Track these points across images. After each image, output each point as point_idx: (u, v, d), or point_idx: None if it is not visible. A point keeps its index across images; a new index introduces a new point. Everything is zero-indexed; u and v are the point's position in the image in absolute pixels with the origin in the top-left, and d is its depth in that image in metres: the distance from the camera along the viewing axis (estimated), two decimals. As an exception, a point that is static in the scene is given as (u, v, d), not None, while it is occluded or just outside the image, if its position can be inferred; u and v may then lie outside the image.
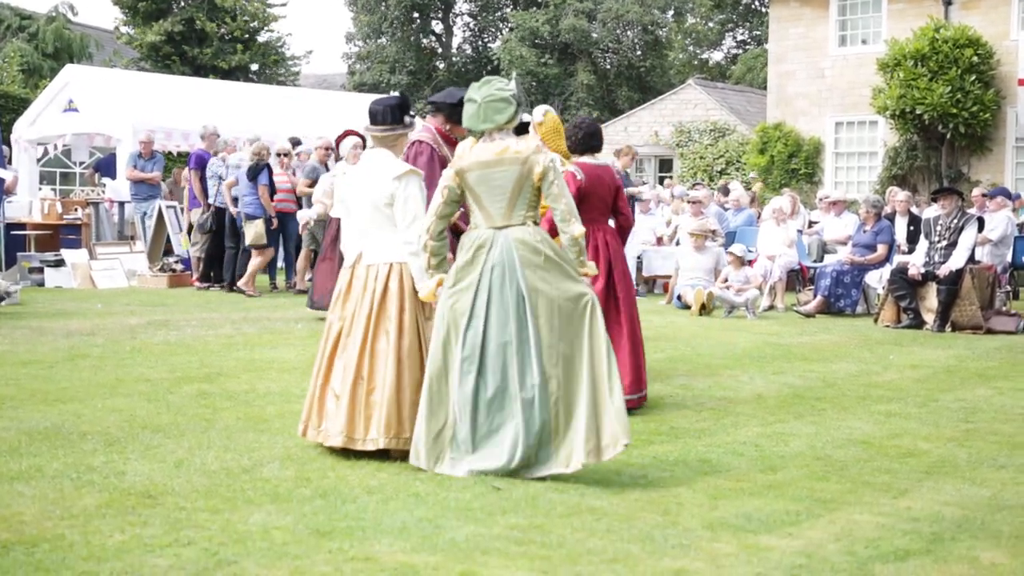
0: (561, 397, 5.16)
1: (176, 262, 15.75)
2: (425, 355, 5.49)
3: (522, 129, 6.62)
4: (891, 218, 14.39)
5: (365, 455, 5.48)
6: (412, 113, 5.93)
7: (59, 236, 15.84)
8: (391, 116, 5.74)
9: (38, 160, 19.30)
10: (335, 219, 11.51)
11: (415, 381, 5.48)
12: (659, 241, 16.39)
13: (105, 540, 4.14)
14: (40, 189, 18.17)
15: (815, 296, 13.29)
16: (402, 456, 5.42)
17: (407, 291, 5.55)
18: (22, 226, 15.54)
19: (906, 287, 11.89)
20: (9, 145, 18.21)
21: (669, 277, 14.60)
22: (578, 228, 5.27)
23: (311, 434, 5.67)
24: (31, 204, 16.35)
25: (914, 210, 15.28)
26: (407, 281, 5.56)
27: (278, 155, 14.54)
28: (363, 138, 11.70)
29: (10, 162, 17.31)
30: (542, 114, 7.57)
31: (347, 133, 11.58)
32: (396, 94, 6.05)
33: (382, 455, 5.49)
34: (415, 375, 5.49)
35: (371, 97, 25.07)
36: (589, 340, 5.21)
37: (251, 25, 32.75)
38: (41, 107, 18.65)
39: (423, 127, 7.55)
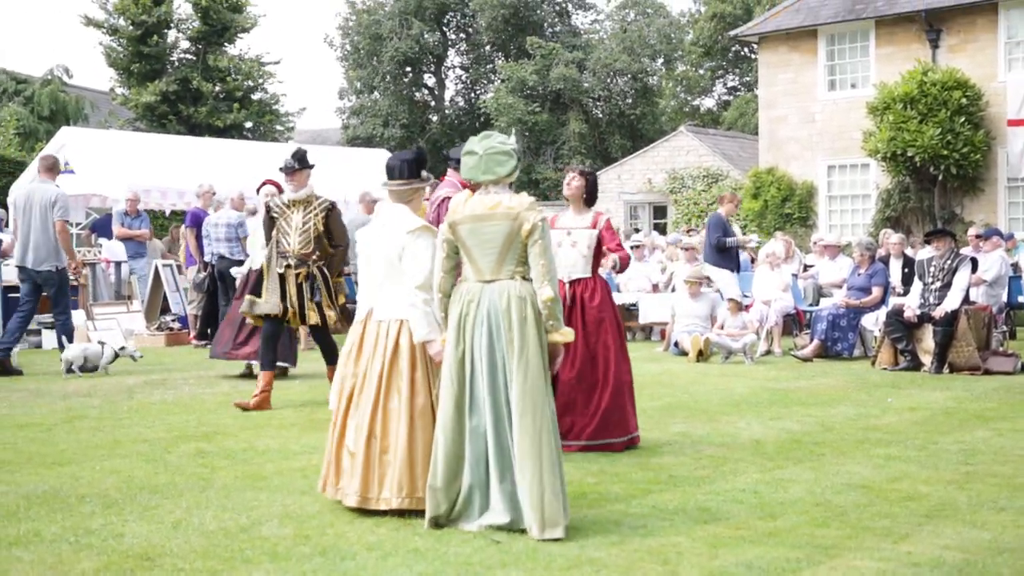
0: (520, 462, 5.13)
1: (173, 320, 15.77)
2: (436, 411, 5.47)
3: None
4: (885, 261, 14.44)
5: (365, 510, 5.47)
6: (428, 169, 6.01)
7: (56, 298, 15.80)
8: (408, 171, 5.79)
9: (35, 222, 19.32)
10: (253, 271, 11.14)
11: (427, 438, 5.46)
12: (655, 288, 16.42)
13: (103, 604, 4.12)
14: (37, 251, 18.15)
15: (812, 340, 13.30)
16: (415, 514, 5.39)
17: (419, 348, 5.55)
18: (18, 288, 15.52)
19: (902, 329, 11.91)
20: (5, 208, 18.25)
21: (666, 324, 14.62)
22: (547, 292, 5.17)
23: (330, 491, 5.66)
24: (28, 266, 16.32)
25: (909, 252, 15.33)
26: None
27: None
28: (280, 188, 11.54)
29: (7, 225, 17.35)
30: None
31: (266, 182, 11.42)
32: (414, 148, 6.11)
33: (382, 511, 5.49)
34: (427, 433, 5.47)
35: (365, 151, 25.25)
36: (548, 407, 5.19)
37: (246, 84, 33.06)
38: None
39: (449, 183, 7.58)
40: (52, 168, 11.99)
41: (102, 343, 11.90)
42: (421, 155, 5.91)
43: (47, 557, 4.74)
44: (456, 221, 5.35)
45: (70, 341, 11.85)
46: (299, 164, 9.21)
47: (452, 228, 5.36)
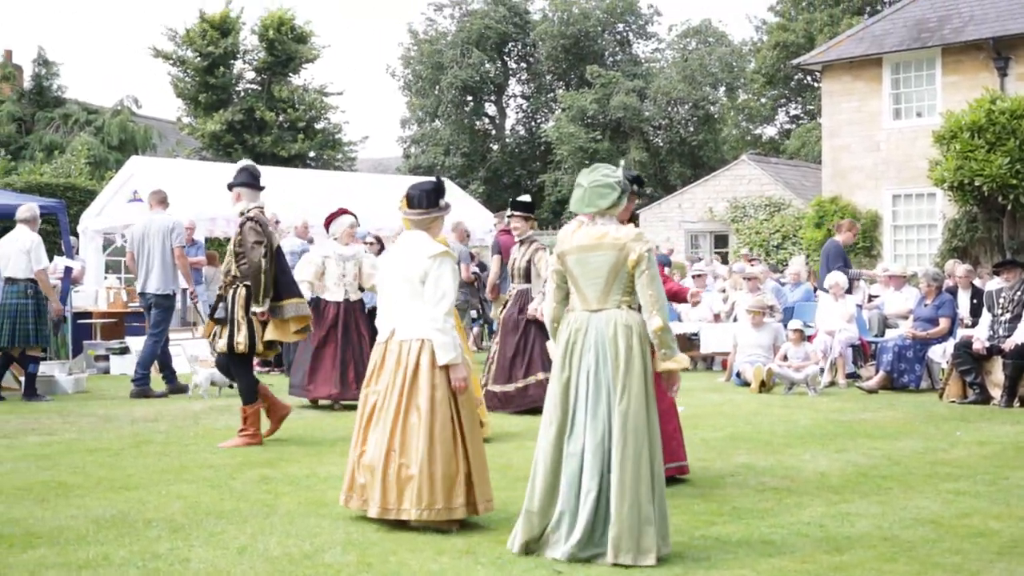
0: (619, 487, 5.17)
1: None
2: (457, 429, 5.71)
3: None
4: (952, 292, 14.21)
5: (426, 539, 5.51)
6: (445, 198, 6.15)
7: (124, 324, 16.11)
8: (427, 201, 6.03)
9: (104, 250, 19.72)
10: (330, 302, 11.15)
11: (447, 453, 5.68)
12: (716, 318, 16.31)
13: (171, 629, 4.17)
14: (106, 278, 18.53)
15: (877, 371, 13.11)
16: (435, 527, 5.67)
17: (438, 367, 5.77)
18: (88, 315, 15.85)
19: (971, 361, 11.70)
20: (76, 236, 18.64)
21: (727, 354, 14.51)
22: (656, 321, 5.25)
23: (354, 504, 5.94)
24: (97, 293, 16.67)
25: (977, 282, 15.08)
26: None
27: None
28: (356, 217, 11.51)
29: (77, 252, 17.73)
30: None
31: (340, 212, 11.32)
32: (432, 179, 6.25)
33: (442, 538, 5.54)
34: (447, 448, 5.69)
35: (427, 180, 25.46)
36: (648, 435, 5.25)
37: (309, 114, 33.50)
38: (107, 198, 19.10)
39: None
40: (163, 200, 12.62)
41: None
42: (439, 185, 6.14)
43: (116, 581, 4.81)
44: (564, 251, 5.48)
45: (150, 364, 12.24)
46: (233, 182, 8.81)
47: (560, 258, 5.50)
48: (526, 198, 10.98)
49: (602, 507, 5.17)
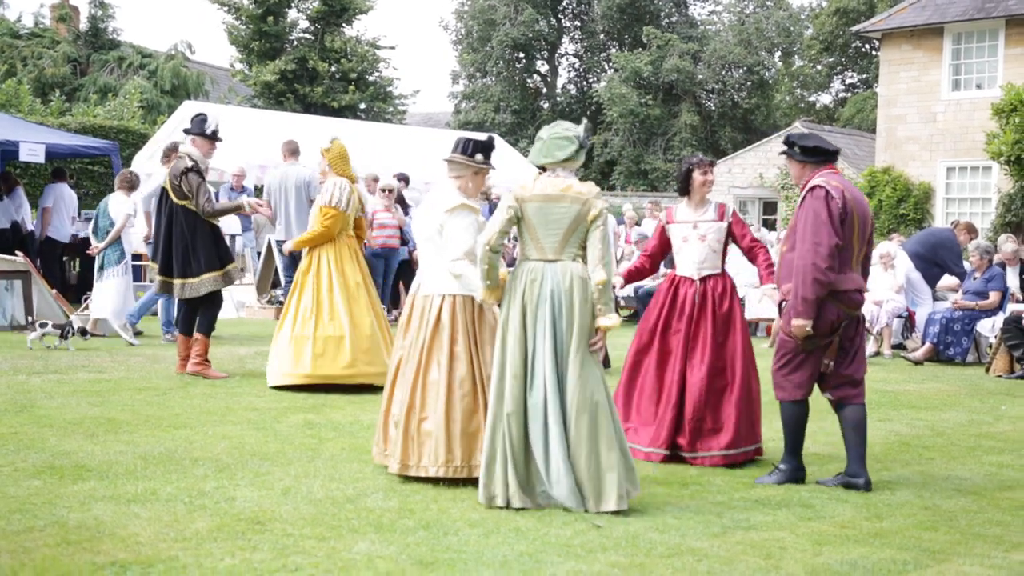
0: (577, 437, 5.30)
1: (283, 294, 16.06)
2: (478, 385, 5.68)
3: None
4: (1001, 267, 14.02)
5: (467, 489, 5.56)
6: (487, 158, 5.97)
7: (172, 266, 16.26)
8: (461, 147, 5.92)
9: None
10: None
11: (467, 410, 5.67)
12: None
13: (216, 563, 4.26)
14: (156, 222, 18.67)
15: (923, 343, 13.00)
16: (454, 482, 5.63)
17: (459, 322, 5.75)
18: (138, 257, 16.01)
19: (1019, 336, 11.57)
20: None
21: (771, 320, 14.43)
22: (600, 275, 5.32)
23: (379, 457, 5.97)
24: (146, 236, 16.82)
25: (1026, 257, 14.84)
26: (459, 313, 5.76)
27: (381, 191, 14.80)
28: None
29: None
30: (329, 141, 9.02)
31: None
32: (488, 136, 6.16)
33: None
34: (467, 404, 5.67)
35: (476, 135, 25.43)
36: (604, 386, 5.38)
37: (361, 66, 33.48)
38: (159, 142, 19.22)
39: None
40: (295, 151, 13.35)
41: None
42: (489, 142, 6.01)
43: (163, 515, 4.91)
44: (525, 198, 5.49)
45: None
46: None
47: (520, 202, 5.49)
48: None
49: (568, 458, 5.28)
